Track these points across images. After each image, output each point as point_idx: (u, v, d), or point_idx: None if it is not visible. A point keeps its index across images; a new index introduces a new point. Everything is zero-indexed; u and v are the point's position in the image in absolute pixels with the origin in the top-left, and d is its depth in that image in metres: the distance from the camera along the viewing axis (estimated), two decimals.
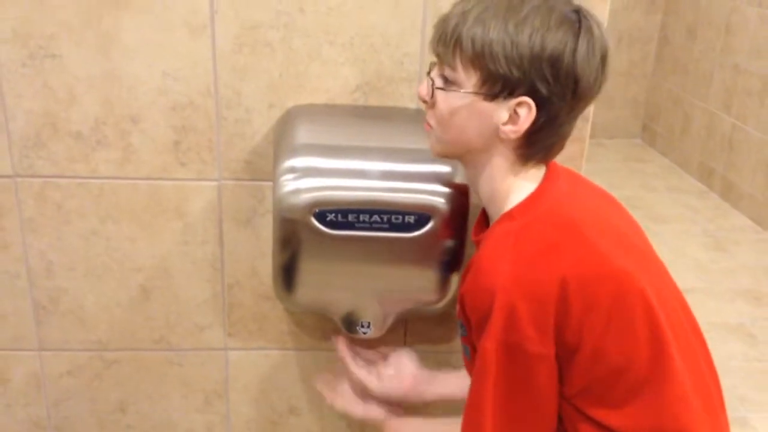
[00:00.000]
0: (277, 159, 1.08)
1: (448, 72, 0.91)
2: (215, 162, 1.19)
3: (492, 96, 0.89)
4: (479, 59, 0.88)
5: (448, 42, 0.89)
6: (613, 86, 4.92)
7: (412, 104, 1.17)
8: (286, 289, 1.12)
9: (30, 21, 1.09)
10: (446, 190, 1.05)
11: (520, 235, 0.90)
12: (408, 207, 1.05)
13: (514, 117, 0.89)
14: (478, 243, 0.99)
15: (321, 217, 1.04)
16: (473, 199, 1.05)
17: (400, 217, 1.05)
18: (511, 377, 0.89)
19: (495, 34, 0.86)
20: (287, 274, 1.11)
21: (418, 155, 1.08)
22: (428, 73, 0.95)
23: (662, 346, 0.91)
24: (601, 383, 0.91)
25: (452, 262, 1.08)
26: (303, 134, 1.09)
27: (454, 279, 1.11)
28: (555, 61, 0.86)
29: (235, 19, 1.11)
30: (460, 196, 1.06)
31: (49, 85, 1.13)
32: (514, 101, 0.88)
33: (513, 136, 0.90)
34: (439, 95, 0.93)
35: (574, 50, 0.87)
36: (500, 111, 0.89)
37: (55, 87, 1.13)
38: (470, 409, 0.93)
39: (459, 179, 1.06)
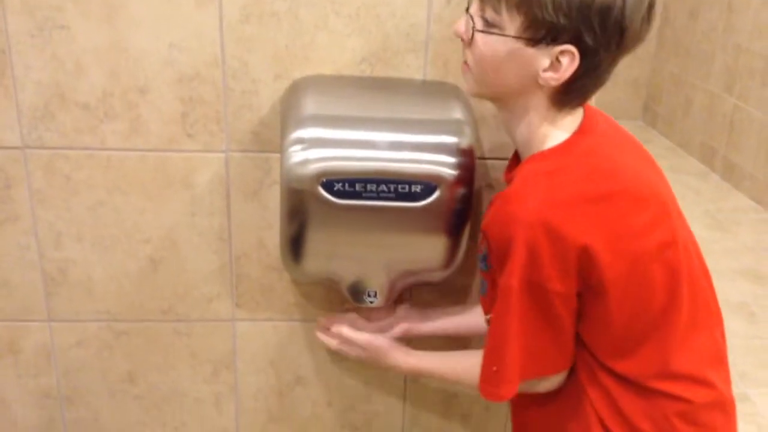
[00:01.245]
0: (284, 130, 1.08)
1: (490, 14, 0.91)
2: (222, 133, 1.20)
3: (534, 42, 0.89)
4: (525, 4, 0.87)
5: None
6: None
7: (419, 75, 1.18)
8: (294, 259, 1.14)
9: None
10: (452, 159, 1.06)
11: (553, 177, 0.91)
12: (414, 177, 1.06)
13: (555, 64, 0.89)
14: (509, 181, 1.00)
15: (328, 186, 1.05)
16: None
17: (407, 186, 1.06)
18: (533, 314, 0.91)
19: None
20: (295, 245, 1.12)
21: (425, 126, 1.09)
22: (467, 10, 0.94)
23: (677, 297, 0.94)
24: (619, 328, 0.93)
25: (458, 231, 1.10)
26: (310, 105, 1.10)
27: (461, 248, 1.12)
28: (604, 11, 0.86)
29: None
30: (466, 166, 1.06)
31: (58, 57, 1.14)
32: (557, 49, 0.88)
33: (553, 83, 0.91)
34: (479, 37, 0.92)
35: (624, 1, 0.86)
36: (542, 57, 0.89)
37: (63, 58, 1.14)
38: (492, 343, 0.96)
39: (465, 146, 1.06)
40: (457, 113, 1.11)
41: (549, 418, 1.04)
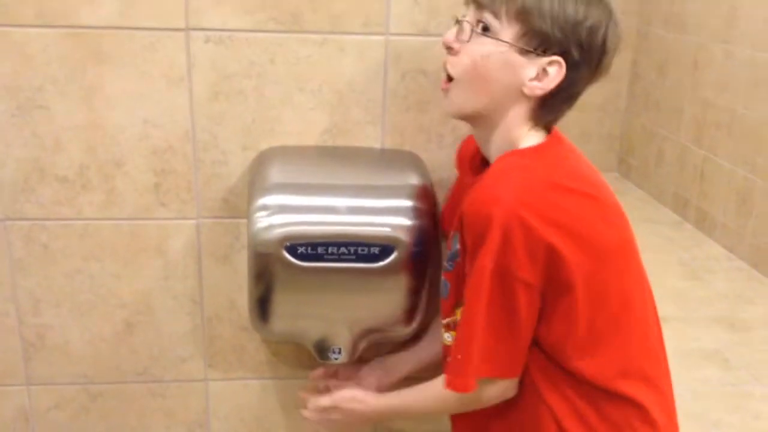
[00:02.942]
0: (250, 198, 1.16)
1: (489, 18, 0.96)
2: (194, 201, 1.27)
3: (526, 51, 0.95)
4: (526, 13, 0.94)
5: None
6: (588, 121, 5.07)
7: (377, 144, 1.26)
8: (261, 319, 1.20)
9: (19, 75, 1.18)
10: (408, 222, 1.13)
11: (527, 171, 0.96)
12: (373, 239, 1.13)
13: (541, 74, 0.96)
14: (472, 185, 1.03)
15: (292, 250, 1.12)
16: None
17: (366, 248, 1.12)
18: (499, 302, 0.94)
19: None
20: (262, 305, 1.18)
21: (382, 191, 1.17)
22: (457, 22, 0.99)
23: (633, 298, 1.02)
24: (582, 328, 0.98)
25: (417, 289, 1.16)
26: (275, 174, 1.18)
27: (420, 306, 1.18)
28: (593, 31, 0.95)
29: (211, 70, 1.20)
30: (422, 228, 1.14)
31: (37, 134, 1.21)
32: (546, 59, 0.95)
33: (538, 92, 0.97)
34: (474, 42, 0.97)
35: (608, 27, 0.96)
36: (530, 67, 0.95)
37: (42, 135, 1.21)
38: (464, 325, 0.99)
39: (421, 209, 1.14)
40: (413, 179, 1.19)
41: (509, 430, 1.07)
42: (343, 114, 1.24)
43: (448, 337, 1.07)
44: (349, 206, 1.14)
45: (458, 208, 1.00)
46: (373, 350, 1.27)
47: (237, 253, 1.30)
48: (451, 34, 1.00)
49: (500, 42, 0.95)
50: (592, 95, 4.55)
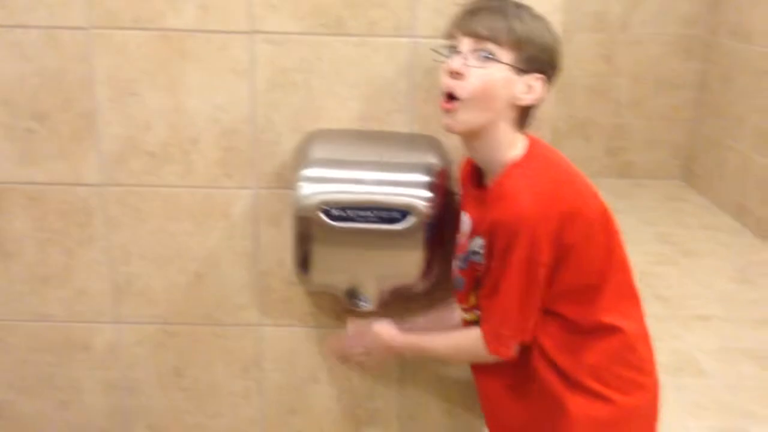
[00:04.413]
0: (295, 170, 1.41)
1: (491, 47, 1.18)
2: (253, 174, 1.54)
3: (521, 70, 1.20)
4: (520, 42, 1.18)
5: (499, 27, 1.17)
6: (655, 130, 5.15)
7: (404, 129, 1.50)
8: (303, 271, 1.45)
9: (118, 68, 1.48)
10: (424, 193, 1.37)
11: (531, 177, 1.20)
12: (394, 205, 1.36)
13: (528, 89, 1.21)
14: (477, 197, 1.30)
15: (327, 213, 1.37)
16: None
17: (388, 212, 1.36)
18: (529, 283, 1.19)
19: (531, 24, 1.19)
20: (303, 260, 1.43)
21: (404, 167, 1.40)
22: (456, 52, 1.21)
23: (621, 263, 1.27)
24: (570, 283, 1.22)
25: (428, 248, 1.39)
26: (316, 151, 1.43)
27: (435, 262, 1.41)
28: (559, 55, 1.24)
29: (269, 65, 1.47)
30: (434, 199, 1.37)
31: (131, 116, 1.51)
32: (532, 77, 1.21)
33: (528, 102, 1.22)
34: (481, 65, 1.19)
35: (560, 52, 1.24)
36: (520, 83, 1.20)
37: (135, 117, 1.51)
38: (505, 307, 1.22)
39: (434, 183, 1.37)
40: (430, 158, 1.42)
41: (509, 371, 1.31)
42: (376, 103, 1.49)
43: (467, 316, 1.36)
44: (375, 179, 1.38)
45: (472, 220, 1.31)
46: (395, 301, 1.51)
47: (287, 219, 1.56)
48: (458, 63, 1.20)
49: (503, 65, 1.19)
50: (660, 105, 4.80)
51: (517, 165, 1.23)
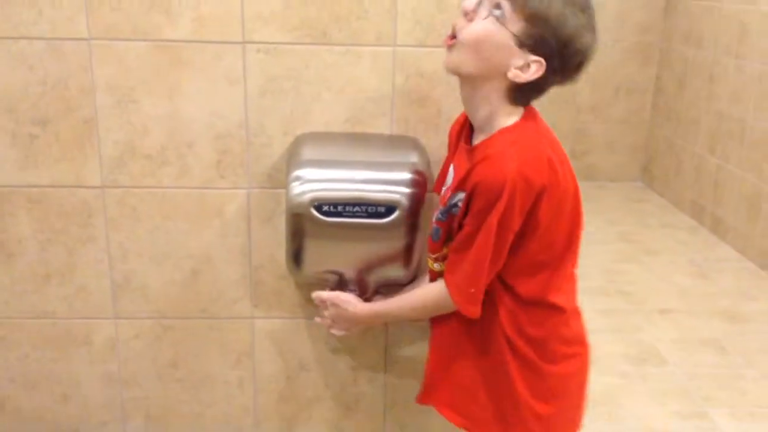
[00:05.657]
0: (288, 171, 1.52)
1: (506, 6, 1.16)
2: (246, 175, 1.64)
3: (521, 44, 1.18)
4: (534, 17, 1.16)
5: None
6: (614, 133, 5.36)
7: (386, 131, 1.62)
8: (295, 265, 1.56)
9: (118, 76, 1.57)
10: (407, 190, 1.49)
11: (519, 144, 1.22)
12: (380, 201, 1.48)
13: (524, 67, 1.19)
14: (466, 152, 1.31)
15: (319, 209, 1.48)
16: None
17: (374, 208, 1.48)
18: (497, 245, 1.24)
19: (556, 7, 1.15)
20: (296, 254, 1.54)
21: (388, 166, 1.52)
22: None
23: (575, 249, 1.35)
24: (530, 257, 1.29)
25: (412, 240, 1.51)
26: (306, 152, 1.54)
27: (415, 252, 1.53)
28: (577, 52, 1.20)
29: (260, 74, 1.58)
30: (417, 194, 1.49)
31: (130, 122, 1.60)
32: (533, 57, 1.18)
33: (517, 80, 1.20)
34: (490, 19, 1.17)
35: (588, 52, 1.21)
36: (519, 58, 1.19)
37: (134, 123, 1.60)
38: (470, 269, 1.27)
39: (417, 180, 1.49)
40: (413, 158, 1.54)
41: (467, 326, 1.38)
42: (360, 107, 1.61)
43: (437, 266, 1.40)
44: (362, 177, 1.50)
45: (456, 173, 1.31)
46: (381, 292, 1.62)
47: (278, 217, 1.67)
48: (471, 3, 1.20)
49: (507, 31, 1.18)
50: (619, 108, 5.03)
51: (507, 130, 1.25)
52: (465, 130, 1.38)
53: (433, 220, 1.41)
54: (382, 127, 1.62)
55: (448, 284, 1.34)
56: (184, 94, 1.59)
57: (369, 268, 1.55)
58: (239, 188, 1.65)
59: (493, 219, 1.22)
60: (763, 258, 3.92)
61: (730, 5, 4.25)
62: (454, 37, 1.24)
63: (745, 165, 4.10)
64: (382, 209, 1.48)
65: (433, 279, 1.43)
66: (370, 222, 1.49)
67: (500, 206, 1.20)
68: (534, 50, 1.19)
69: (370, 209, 1.48)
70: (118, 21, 1.54)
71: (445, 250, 1.38)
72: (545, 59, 1.19)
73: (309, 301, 1.73)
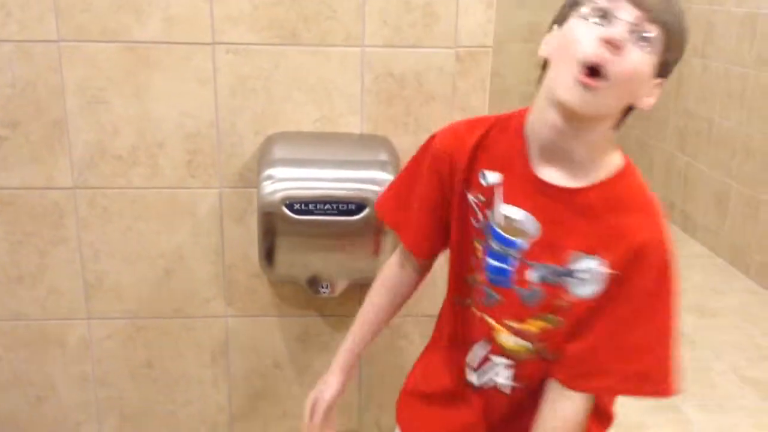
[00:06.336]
0: (259, 170, 1.54)
1: (656, 33, 0.93)
2: (217, 175, 1.65)
3: (661, 73, 0.98)
4: (677, 43, 0.96)
5: (673, 13, 0.94)
6: None
7: (356, 130, 1.64)
8: (268, 263, 1.58)
9: (88, 77, 1.58)
10: (377, 188, 1.51)
11: (652, 194, 1.07)
12: (350, 199, 1.50)
13: (651, 92, 0.99)
14: (570, 193, 1.03)
15: (290, 207, 1.50)
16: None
17: (345, 205, 1.50)
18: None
19: (685, 27, 0.97)
20: (269, 252, 1.56)
21: (358, 164, 1.55)
22: (609, 16, 0.93)
23: None
24: None
25: (380, 235, 1.54)
26: (277, 152, 1.56)
27: (382, 247, 1.55)
28: None
29: (230, 74, 1.59)
30: None
31: (100, 122, 1.61)
32: (659, 80, 0.98)
33: (644, 105, 0.99)
34: (641, 50, 0.93)
35: None
36: (650, 84, 0.98)
37: (104, 123, 1.61)
38: (662, 344, 1.13)
39: (387, 178, 1.51)
40: (382, 156, 1.57)
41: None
42: (330, 107, 1.63)
43: (505, 338, 1.13)
44: (333, 176, 1.52)
45: (552, 220, 1.05)
46: (354, 288, 1.65)
47: (250, 216, 1.68)
48: (620, 31, 0.93)
49: (656, 60, 0.95)
50: None
51: (633, 173, 1.04)
52: (511, 154, 1.08)
53: (529, 278, 1.08)
54: (352, 126, 1.64)
55: (664, 379, 1.09)
56: (154, 95, 1.60)
57: (341, 264, 1.57)
58: (211, 188, 1.67)
59: (672, 300, 1.05)
60: (732, 254, 4.00)
61: (698, 6, 4.33)
62: (597, 74, 0.94)
63: (712, 163, 4.18)
64: (352, 207, 1.51)
65: (486, 335, 1.17)
66: (340, 219, 1.51)
67: (672, 278, 1.02)
68: (662, 74, 1.00)
69: (341, 207, 1.51)
70: (87, 22, 1.54)
71: (533, 326, 1.10)
72: (665, 78, 1.01)
73: (282, 298, 1.75)
